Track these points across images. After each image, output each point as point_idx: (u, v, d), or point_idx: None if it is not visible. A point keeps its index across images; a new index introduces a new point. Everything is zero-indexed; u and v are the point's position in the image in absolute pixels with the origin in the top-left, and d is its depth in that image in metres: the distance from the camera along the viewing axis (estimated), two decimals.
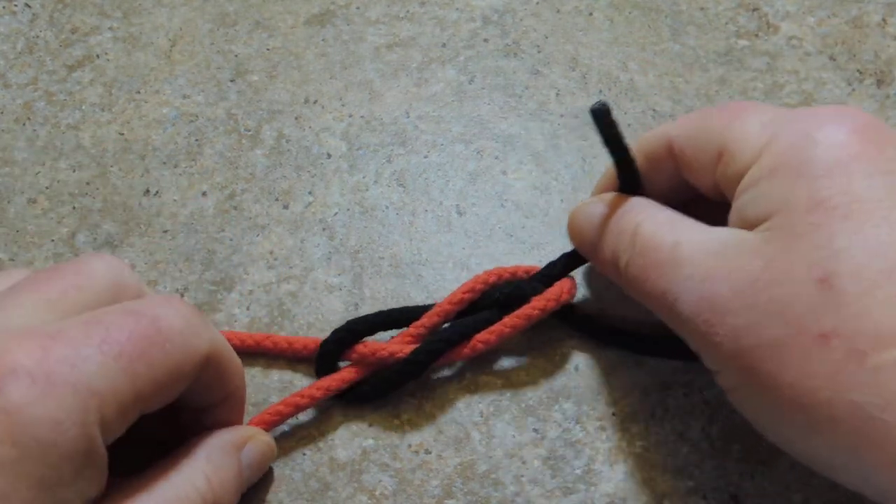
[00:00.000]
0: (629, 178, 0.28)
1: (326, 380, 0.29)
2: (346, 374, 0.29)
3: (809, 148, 0.23)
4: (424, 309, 0.30)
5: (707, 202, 0.27)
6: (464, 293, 0.29)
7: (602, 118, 0.25)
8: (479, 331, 0.29)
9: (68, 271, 0.24)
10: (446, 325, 0.30)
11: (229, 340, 0.28)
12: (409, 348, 0.29)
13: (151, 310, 0.23)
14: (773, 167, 0.23)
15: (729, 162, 0.25)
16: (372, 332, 0.30)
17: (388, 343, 0.29)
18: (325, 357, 0.29)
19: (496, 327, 0.29)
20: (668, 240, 0.25)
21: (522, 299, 0.29)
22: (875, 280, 0.21)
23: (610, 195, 0.29)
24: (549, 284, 0.30)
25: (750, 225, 0.24)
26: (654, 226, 0.26)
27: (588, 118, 0.26)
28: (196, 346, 0.23)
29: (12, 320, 0.22)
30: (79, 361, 0.21)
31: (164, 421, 0.25)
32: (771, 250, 0.22)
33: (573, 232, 0.30)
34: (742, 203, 0.24)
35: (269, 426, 0.28)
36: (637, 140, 0.28)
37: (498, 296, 0.29)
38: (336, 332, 0.29)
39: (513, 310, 0.29)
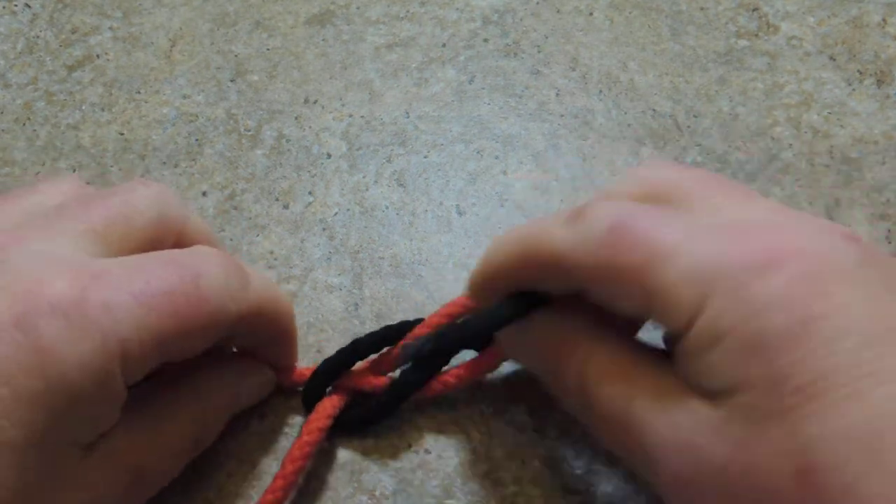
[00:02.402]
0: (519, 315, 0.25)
1: (317, 420, 0.28)
2: (332, 405, 0.28)
3: (753, 317, 0.20)
4: (404, 328, 0.29)
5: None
6: (441, 318, 0.28)
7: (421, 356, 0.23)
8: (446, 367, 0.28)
9: (116, 200, 0.24)
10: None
11: (304, 375, 0.29)
12: (384, 380, 0.28)
13: (195, 265, 0.23)
14: (717, 336, 0.20)
15: (659, 318, 0.21)
16: (362, 358, 0.29)
17: (368, 376, 0.29)
18: (312, 392, 0.29)
19: (464, 371, 0.28)
20: (621, 404, 0.22)
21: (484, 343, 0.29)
22: (857, 472, 0.18)
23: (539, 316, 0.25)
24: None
25: (702, 395, 0.21)
26: (600, 373, 0.23)
27: (588, 118, 0.26)
28: (231, 308, 0.24)
29: (58, 248, 0.22)
30: (114, 307, 0.21)
31: None
32: (737, 435, 0.20)
33: (513, 357, 0.27)
34: (688, 372, 0.21)
35: (286, 492, 0.27)
36: (519, 238, 0.24)
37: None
38: (325, 364, 0.28)
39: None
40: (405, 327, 0.29)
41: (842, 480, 0.18)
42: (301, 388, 0.29)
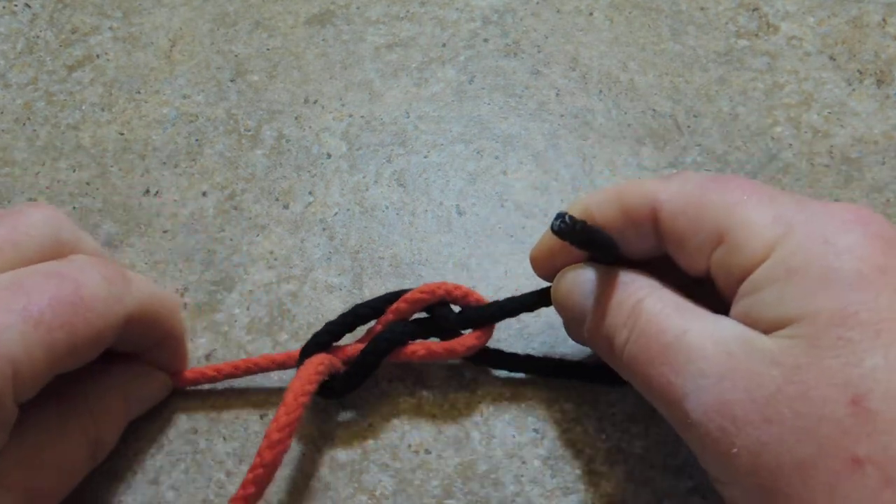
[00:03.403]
0: (608, 258, 0.26)
1: (301, 381, 0.27)
2: (319, 362, 0.28)
3: (831, 255, 0.21)
4: (385, 301, 0.29)
5: (679, 271, 0.25)
6: (421, 293, 0.29)
7: (568, 233, 0.22)
8: (414, 337, 0.29)
9: (5, 225, 0.24)
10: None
11: (205, 374, 0.29)
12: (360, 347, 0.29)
13: (75, 274, 0.23)
14: (791, 269, 0.21)
15: (733, 251, 0.23)
16: (350, 331, 0.29)
17: (351, 344, 0.29)
18: (309, 350, 0.29)
19: (430, 346, 0.29)
20: (676, 323, 0.23)
21: (449, 333, 0.29)
22: None
23: (602, 265, 0.26)
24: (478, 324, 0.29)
25: (762, 327, 0.22)
26: (658, 304, 0.24)
27: (588, 118, 0.26)
28: (117, 312, 0.24)
29: None
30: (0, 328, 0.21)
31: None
32: (794, 361, 0.21)
33: (560, 297, 0.27)
34: (752, 302, 0.22)
35: (283, 445, 0.26)
36: (618, 189, 0.26)
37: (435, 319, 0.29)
38: (315, 337, 0.29)
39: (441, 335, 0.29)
40: (381, 301, 0.29)
41: (894, 412, 0.19)
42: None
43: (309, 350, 0.29)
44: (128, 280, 0.25)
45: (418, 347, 0.29)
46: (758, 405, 0.21)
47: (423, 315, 0.30)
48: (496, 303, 0.29)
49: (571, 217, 0.22)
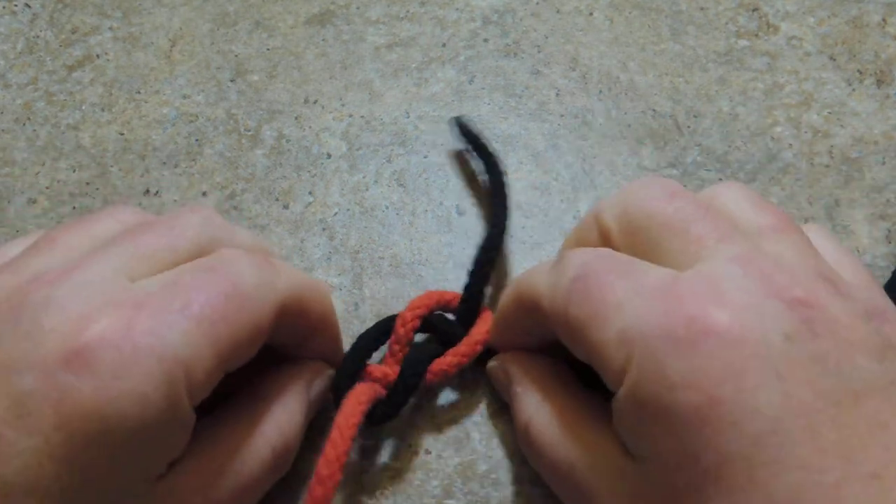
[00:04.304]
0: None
1: (345, 415, 0.27)
2: (363, 395, 0.27)
3: (665, 392, 0.20)
4: (387, 324, 0.29)
5: None
6: (417, 309, 0.29)
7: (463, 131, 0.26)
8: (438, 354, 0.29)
9: (163, 228, 0.24)
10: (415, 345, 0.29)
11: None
12: (396, 369, 0.28)
13: (226, 266, 0.23)
14: (638, 403, 0.21)
15: (600, 372, 0.23)
16: (370, 355, 0.29)
17: (383, 366, 0.29)
18: (340, 391, 0.28)
19: (453, 359, 0.29)
20: (562, 457, 0.24)
21: (454, 338, 0.29)
22: None
23: (516, 358, 0.28)
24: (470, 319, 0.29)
25: (630, 450, 0.22)
26: (544, 431, 0.25)
27: (588, 118, 0.26)
28: (271, 299, 0.23)
29: (103, 280, 0.22)
30: (163, 330, 0.21)
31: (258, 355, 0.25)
32: (652, 496, 0.21)
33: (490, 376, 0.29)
34: (617, 425, 0.22)
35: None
36: (518, 279, 0.27)
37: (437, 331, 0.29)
38: (345, 367, 0.28)
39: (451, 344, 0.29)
40: (385, 325, 0.29)
41: None
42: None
43: (343, 384, 0.28)
44: (276, 267, 0.25)
45: (446, 358, 0.28)
46: None
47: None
48: (473, 290, 0.29)
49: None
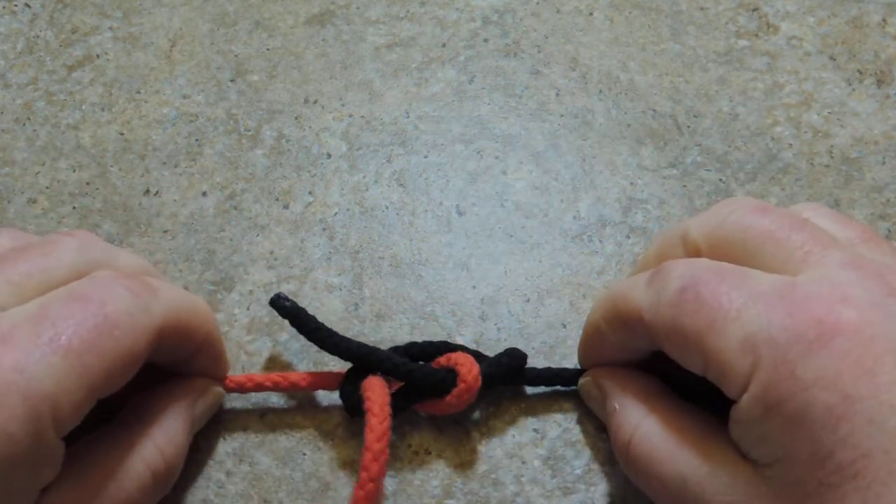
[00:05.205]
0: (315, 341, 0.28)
1: (374, 391, 0.27)
2: (381, 377, 0.28)
3: (799, 392, 0.20)
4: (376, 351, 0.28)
5: None
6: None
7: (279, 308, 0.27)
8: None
9: (37, 254, 0.24)
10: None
11: (243, 384, 0.28)
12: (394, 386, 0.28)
13: (97, 292, 0.22)
14: (767, 406, 0.21)
15: (717, 380, 0.22)
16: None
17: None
18: (349, 398, 0.28)
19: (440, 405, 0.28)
20: (670, 471, 0.23)
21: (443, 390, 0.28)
22: None
23: (614, 375, 0.27)
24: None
25: (753, 458, 0.22)
26: (647, 446, 0.24)
27: (588, 118, 0.26)
28: (146, 324, 0.23)
29: None
30: (29, 365, 0.20)
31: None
32: (779, 499, 0.21)
33: (583, 395, 0.29)
34: (740, 434, 0.22)
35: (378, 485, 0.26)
36: (611, 295, 0.26)
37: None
38: (350, 377, 0.28)
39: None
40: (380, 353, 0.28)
41: None
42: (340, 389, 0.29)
43: (357, 372, 0.28)
44: (154, 290, 0.24)
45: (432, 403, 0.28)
46: None
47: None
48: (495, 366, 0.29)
49: (285, 295, 0.28)
